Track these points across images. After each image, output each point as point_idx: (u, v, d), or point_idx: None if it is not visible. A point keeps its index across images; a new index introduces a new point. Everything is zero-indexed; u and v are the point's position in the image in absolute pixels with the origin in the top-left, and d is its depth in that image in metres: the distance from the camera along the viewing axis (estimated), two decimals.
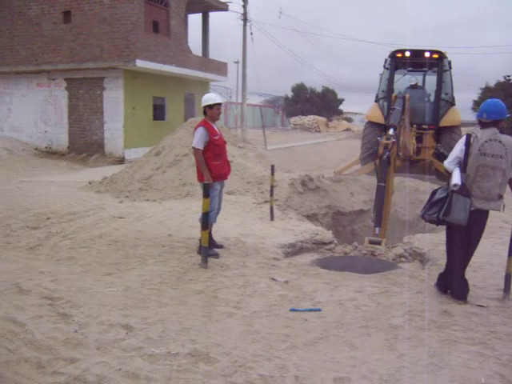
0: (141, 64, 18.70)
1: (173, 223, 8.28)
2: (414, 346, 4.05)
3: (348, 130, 63.22)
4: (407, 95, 11.32)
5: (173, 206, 9.70)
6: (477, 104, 42.12)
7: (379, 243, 7.75)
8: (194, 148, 6.71)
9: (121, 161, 18.83)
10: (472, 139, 4.93)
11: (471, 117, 43.02)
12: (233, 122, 43.85)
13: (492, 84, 41.95)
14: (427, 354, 3.89)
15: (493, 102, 5.08)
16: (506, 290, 5.27)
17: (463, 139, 5.03)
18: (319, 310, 4.80)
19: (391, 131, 9.03)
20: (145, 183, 11.04)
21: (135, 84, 19.68)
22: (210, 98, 6.85)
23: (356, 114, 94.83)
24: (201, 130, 6.66)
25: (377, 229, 8.03)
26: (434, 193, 5.23)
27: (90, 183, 12.37)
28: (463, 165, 4.98)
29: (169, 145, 12.19)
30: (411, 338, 4.19)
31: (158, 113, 21.83)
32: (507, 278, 5.27)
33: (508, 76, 41.21)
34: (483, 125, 5.02)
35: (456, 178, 4.98)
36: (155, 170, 11.43)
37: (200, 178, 6.80)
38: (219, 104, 6.81)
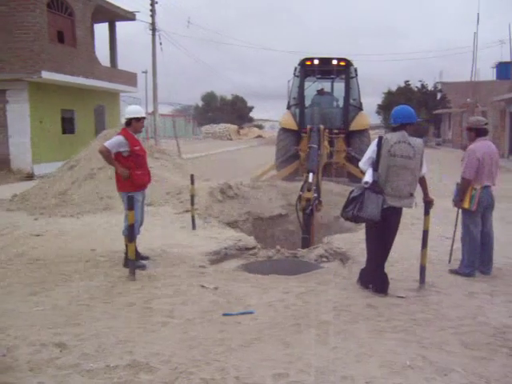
0: (47, 75, 18.04)
1: (94, 237, 8.11)
2: (344, 338, 4.30)
3: (259, 136, 64.27)
4: (321, 126, 11.33)
5: (92, 220, 9.48)
6: (381, 108, 44.56)
7: None
8: (103, 145, 6.63)
9: (30, 177, 18.01)
10: (383, 141, 5.30)
11: (376, 120, 45.39)
12: (144, 133, 43.25)
13: (393, 89, 44.52)
14: (357, 345, 4.15)
15: (400, 108, 5.49)
16: (422, 280, 5.69)
17: (375, 141, 5.40)
18: (251, 313, 4.94)
19: (310, 177, 9.21)
20: (60, 198, 10.69)
21: (42, 96, 18.92)
22: (137, 110, 6.87)
23: (266, 120, 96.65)
24: (120, 138, 6.64)
25: None
26: (351, 192, 5.54)
27: None
28: (376, 165, 5.34)
29: (83, 158, 11.88)
30: (341, 332, 4.44)
31: (68, 126, 21.14)
32: (422, 269, 5.69)
33: (407, 81, 44.01)
34: (393, 128, 5.42)
35: (367, 177, 5.34)
36: (70, 185, 11.10)
37: (120, 188, 6.76)
38: (144, 118, 6.88)
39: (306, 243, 8.64)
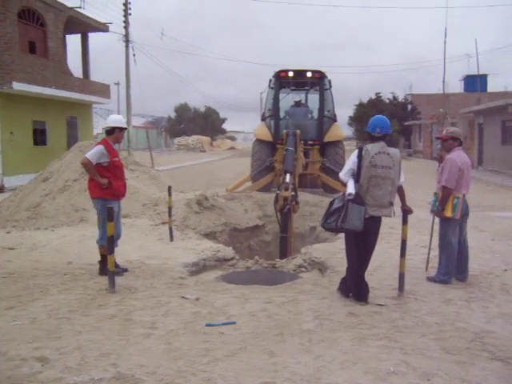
0: (18, 86, 17.85)
1: (71, 250, 7.99)
2: (327, 346, 4.33)
3: (232, 148, 64.43)
4: (298, 131, 11.59)
5: (67, 232, 9.34)
6: (352, 119, 45.12)
7: None
8: (86, 158, 6.56)
9: (0, 189, 17.68)
10: (364, 152, 5.38)
11: (348, 131, 45.92)
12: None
13: (365, 101, 45.12)
14: (340, 352, 4.18)
15: (383, 119, 5.59)
16: (401, 288, 5.77)
17: (355, 152, 5.46)
18: (234, 323, 4.94)
19: (288, 178, 9.34)
20: (33, 211, 10.50)
21: (12, 107, 18.66)
22: (121, 120, 6.94)
23: (238, 132, 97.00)
24: (101, 148, 6.61)
25: None
26: (331, 203, 5.59)
27: None
28: (356, 176, 5.41)
29: (57, 170, 11.71)
30: (324, 340, 4.47)
31: (39, 137, 20.87)
32: (401, 277, 5.77)
33: (379, 93, 44.71)
34: (374, 139, 5.49)
35: (350, 188, 5.39)
36: (44, 197, 10.92)
37: (95, 193, 6.68)
38: (126, 128, 6.93)
39: (285, 242, 8.68)
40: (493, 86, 50.06)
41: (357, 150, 5.47)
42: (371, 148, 5.38)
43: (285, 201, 8.84)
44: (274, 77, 14.42)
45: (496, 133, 27.07)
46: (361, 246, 5.55)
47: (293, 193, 9.06)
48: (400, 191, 5.66)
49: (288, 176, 9.36)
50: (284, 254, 8.80)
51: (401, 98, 45.50)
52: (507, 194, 18.55)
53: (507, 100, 24.94)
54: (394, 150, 5.47)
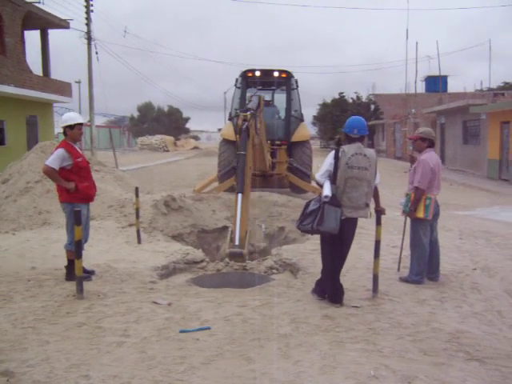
0: None
1: (34, 255, 7.68)
2: (306, 351, 4.26)
3: (196, 148, 63.95)
4: (262, 95, 11.54)
5: (30, 236, 9.00)
6: (316, 119, 45.45)
7: (241, 254, 7.60)
8: (46, 165, 6.28)
9: None
10: (340, 153, 5.33)
11: (312, 131, 46.35)
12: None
13: (328, 100, 45.51)
14: (319, 357, 4.12)
15: (360, 120, 5.55)
16: (375, 289, 5.75)
17: (332, 154, 5.41)
18: (209, 329, 4.82)
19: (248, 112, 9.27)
20: None
21: None
22: (69, 117, 6.57)
23: (202, 131, 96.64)
24: (61, 151, 6.33)
25: (239, 195, 7.92)
26: (307, 205, 5.52)
27: None
28: (333, 177, 5.35)
29: (17, 171, 11.30)
30: (301, 344, 4.39)
31: None
32: (375, 278, 5.75)
33: (342, 93, 45.18)
34: (350, 140, 5.45)
35: (327, 190, 5.32)
36: (4, 200, 10.52)
37: (64, 197, 6.43)
38: (80, 124, 6.57)
39: (242, 160, 8.47)
40: (453, 86, 51.21)
41: (333, 151, 5.41)
42: (348, 149, 5.34)
43: (244, 120, 8.74)
44: (240, 76, 14.30)
45: (457, 132, 27.67)
46: (336, 247, 5.51)
47: (252, 111, 8.99)
48: (375, 192, 5.64)
49: (249, 112, 9.39)
50: (242, 174, 8.33)
51: (364, 98, 46.04)
52: (470, 192, 18.98)
53: (468, 100, 25.50)
54: (370, 151, 5.44)
